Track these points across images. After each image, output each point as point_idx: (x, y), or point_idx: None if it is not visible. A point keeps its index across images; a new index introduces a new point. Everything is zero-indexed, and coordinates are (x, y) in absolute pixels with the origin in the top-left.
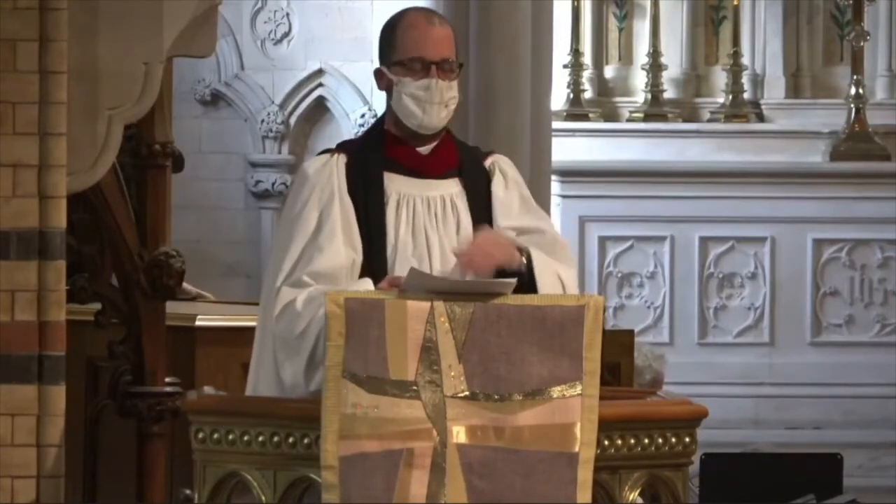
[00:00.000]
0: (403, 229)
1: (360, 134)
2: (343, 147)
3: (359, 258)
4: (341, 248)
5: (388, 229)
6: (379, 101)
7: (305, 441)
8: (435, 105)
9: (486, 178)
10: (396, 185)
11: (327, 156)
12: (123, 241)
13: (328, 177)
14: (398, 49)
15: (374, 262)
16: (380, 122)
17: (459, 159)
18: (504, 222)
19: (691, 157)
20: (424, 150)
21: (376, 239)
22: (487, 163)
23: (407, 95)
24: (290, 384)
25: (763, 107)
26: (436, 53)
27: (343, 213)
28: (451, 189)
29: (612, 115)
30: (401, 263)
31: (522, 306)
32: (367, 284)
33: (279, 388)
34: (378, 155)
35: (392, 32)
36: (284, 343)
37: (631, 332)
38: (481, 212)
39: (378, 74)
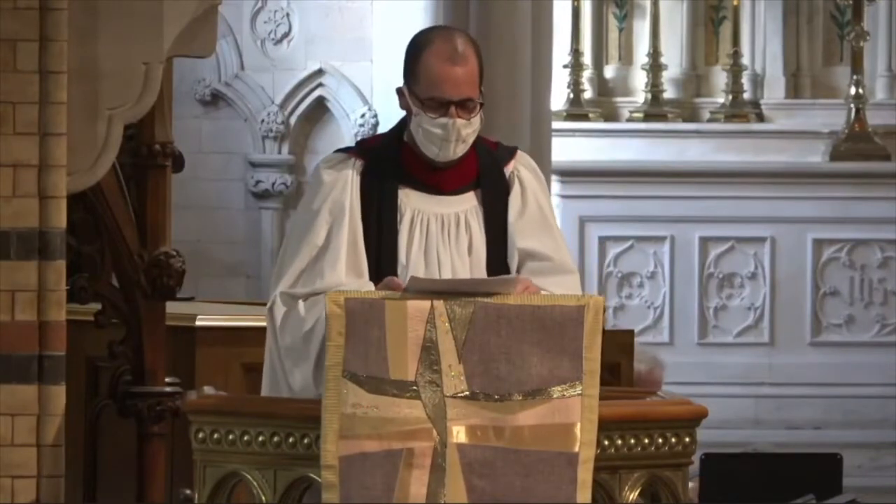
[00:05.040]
0: (416, 249)
1: (378, 134)
2: (361, 150)
3: (362, 281)
4: (343, 274)
5: (400, 249)
6: (379, 102)
7: (305, 441)
8: (451, 143)
9: (506, 188)
10: (412, 202)
11: (344, 158)
12: (123, 241)
13: (342, 188)
14: (419, 82)
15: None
16: (400, 130)
17: (479, 171)
18: (518, 243)
19: (691, 157)
20: (442, 164)
21: (387, 258)
22: (508, 170)
23: (424, 130)
24: (300, 389)
25: (763, 107)
26: (456, 94)
27: (351, 235)
28: (467, 205)
29: (612, 115)
30: None
31: (522, 306)
32: (368, 286)
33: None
34: (395, 167)
35: (416, 59)
36: (290, 350)
37: (631, 332)
38: (497, 227)
39: (399, 93)
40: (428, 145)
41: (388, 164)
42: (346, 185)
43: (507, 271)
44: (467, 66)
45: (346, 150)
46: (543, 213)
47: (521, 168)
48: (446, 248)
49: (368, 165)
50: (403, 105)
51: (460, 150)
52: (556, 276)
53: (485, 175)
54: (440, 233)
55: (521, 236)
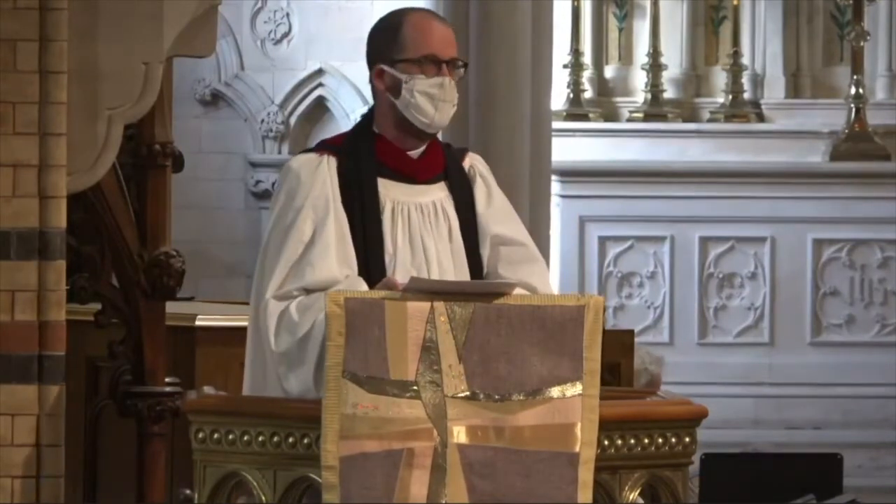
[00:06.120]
0: (401, 238)
1: (341, 134)
2: (328, 148)
3: (352, 274)
4: (334, 264)
5: (386, 239)
6: None
7: (305, 441)
8: (447, 104)
9: (468, 181)
10: (391, 193)
11: (315, 157)
12: (123, 241)
13: (322, 184)
14: (408, 47)
15: (373, 273)
16: (366, 123)
17: (445, 162)
18: (491, 229)
19: (691, 157)
20: (414, 154)
21: (374, 250)
22: (466, 165)
23: (420, 93)
24: (297, 394)
25: (763, 107)
26: (446, 52)
27: (338, 227)
28: (440, 194)
29: (612, 115)
30: (400, 273)
31: (522, 306)
32: (362, 286)
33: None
34: (370, 160)
35: (397, 31)
36: (284, 356)
37: (631, 332)
38: (467, 216)
39: (378, 76)
40: (423, 111)
41: (363, 156)
42: (326, 181)
43: (480, 259)
44: (448, 27)
45: (314, 149)
46: (507, 204)
47: (477, 164)
48: (430, 235)
49: (342, 161)
50: (385, 85)
51: (450, 115)
52: (531, 265)
53: (450, 167)
54: (421, 220)
55: (494, 223)
